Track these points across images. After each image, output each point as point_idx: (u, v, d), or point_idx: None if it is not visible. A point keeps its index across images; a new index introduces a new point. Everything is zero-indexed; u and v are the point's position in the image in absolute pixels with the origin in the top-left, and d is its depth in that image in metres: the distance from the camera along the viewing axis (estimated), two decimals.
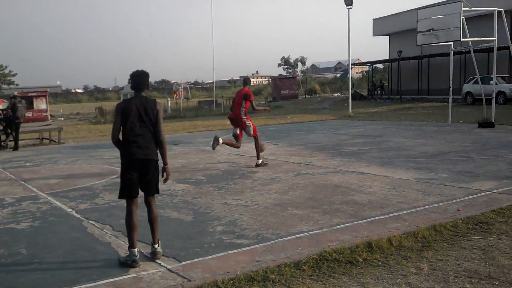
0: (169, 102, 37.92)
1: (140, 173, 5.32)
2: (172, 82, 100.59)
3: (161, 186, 5.70)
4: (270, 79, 69.01)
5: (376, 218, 6.57)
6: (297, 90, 54.23)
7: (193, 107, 38.61)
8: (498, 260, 4.88)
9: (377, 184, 8.75)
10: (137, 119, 5.29)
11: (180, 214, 7.31)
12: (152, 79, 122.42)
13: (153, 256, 5.39)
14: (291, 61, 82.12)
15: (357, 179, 9.30)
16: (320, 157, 12.45)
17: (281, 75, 65.57)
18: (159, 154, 5.42)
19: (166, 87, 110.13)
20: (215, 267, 5.05)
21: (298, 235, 5.93)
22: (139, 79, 5.45)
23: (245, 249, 5.55)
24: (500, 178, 8.70)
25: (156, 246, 5.42)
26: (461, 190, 7.90)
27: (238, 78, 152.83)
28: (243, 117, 11.62)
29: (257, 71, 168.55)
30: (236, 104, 11.67)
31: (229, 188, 8.97)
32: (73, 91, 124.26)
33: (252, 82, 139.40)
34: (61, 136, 19.84)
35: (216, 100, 43.90)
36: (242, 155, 13.36)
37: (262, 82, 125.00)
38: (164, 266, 5.15)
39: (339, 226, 6.25)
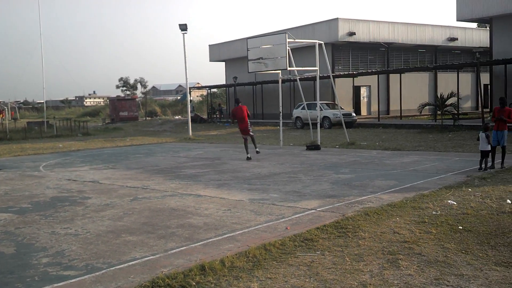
0: None
1: None
2: None
3: None
4: (108, 100, 66.80)
5: (211, 240, 6.67)
6: (137, 112, 53.28)
7: (22, 129, 35.55)
8: (322, 275, 5.24)
9: (213, 206, 8.90)
10: None
11: (0, 246, 6.62)
12: None
13: None
14: (130, 82, 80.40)
15: (194, 201, 9.38)
16: (158, 180, 12.30)
17: (119, 96, 63.79)
18: None
19: None
20: None
21: (130, 263, 5.75)
22: None
23: (72, 281, 5.22)
24: (324, 197, 9.44)
25: None
26: (289, 209, 8.40)
27: (74, 98, 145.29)
28: (250, 126, 16.72)
29: (94, 91, 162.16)
30: (244, 118, 16.50)
31: (57, 216, 8.39)
32: None
33: (88, 103, 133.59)
34: None
35: (48, 121, 41.10)
36: (74, 180, 12.63)
37: (99, 103, 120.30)
38: None
39: (174, 251, 6.21)
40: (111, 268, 5.58)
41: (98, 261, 5.88)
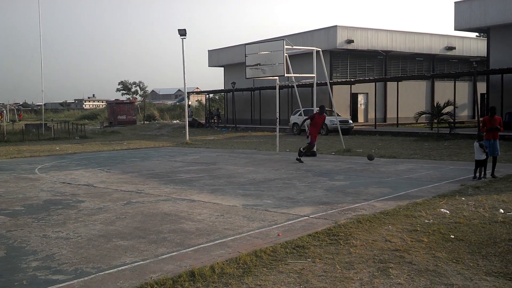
0: None
1: None
2: None
3: None
4: (107, 104, 66.77)
5: (202, 245, 6.65)
6: (135, 116, 53.29)
7: (20, 131, 35.51)
8: (311, 283, 5.23)
9: (206, 211, 8.89)
10: None
11: None
12: None
13: None
14: (130, 86, 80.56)
15: (188, 206, 9.36)
16: (152, 184, 12.29)
17: (117, 99, 63.78)
18: None
19: None
20: None
21: (120, 268, 5.73)
22: None
23: (60, 285, 5.20)
24: (317, 203, 9.43)
25: None
26: (282, 216, 8.39)
27: (73, 101, 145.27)
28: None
29: (93, 95, 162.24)
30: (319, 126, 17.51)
31: (50, 220, 8.37)
32: None
33: (87, 106, 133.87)
34: None
35: (46, 124, 41.05)
36: (68, 183, 12.62)
37: (99, 106, 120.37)
38: None
39: (164, 256, 6.19)
40: (100, 273, 5.56)
41: (88, 265, 5.86)
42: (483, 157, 11.95)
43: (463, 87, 42.93)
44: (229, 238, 7.00)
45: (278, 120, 21.04)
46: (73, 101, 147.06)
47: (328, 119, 30.61)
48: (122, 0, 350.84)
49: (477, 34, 43.05)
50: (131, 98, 73.77)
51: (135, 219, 8.34)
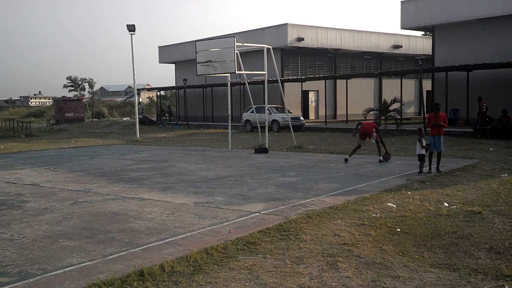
0: None
1: None
2: None
3: None
4: (53, 101, 64.77)
5: (152, 244, 6.57)
6: (83, 113, 51.91)
7: None
8: (262, 279, 5.27)
9: (157, 209, 8.79)
10: None
11: None
12: None
13: None
14: (79, 82, 78.68)
15: (137, 205, 9.22)
16: (101, 183, 12.03)
17: (64, 96, 62.06)
18: None
19: None
20: None
21: (66, 269, 5.59)
22: None
23: None
24: (268, 200, 9.49)
25: None
26: (234, 213, 8.40)
27: (18, 98, 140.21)
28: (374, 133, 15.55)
29: (40, 92, 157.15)
30: (368, 129, 15.59)
31: None
32: None
33: (33, 103, 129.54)
34: None
35: None
36: (13, 183, 12.17)
37: (45, 104, 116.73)
38: None
39: (113, 256, 6.08)
40: (46, 275, 5.40)
41: (33, 267, 5.68)
42: (423, 151, 12.38)
43: (409, 85, 44.19)
44: (180, 237, 6.95)
45: (230, 117, 21.03)
46: (19, 98, 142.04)
47: (279, 116, 30.95)
48: None
49: (422, 32, 44.28)
50: (78, 95, 72.08)
51: (83, 219, 8.14)
